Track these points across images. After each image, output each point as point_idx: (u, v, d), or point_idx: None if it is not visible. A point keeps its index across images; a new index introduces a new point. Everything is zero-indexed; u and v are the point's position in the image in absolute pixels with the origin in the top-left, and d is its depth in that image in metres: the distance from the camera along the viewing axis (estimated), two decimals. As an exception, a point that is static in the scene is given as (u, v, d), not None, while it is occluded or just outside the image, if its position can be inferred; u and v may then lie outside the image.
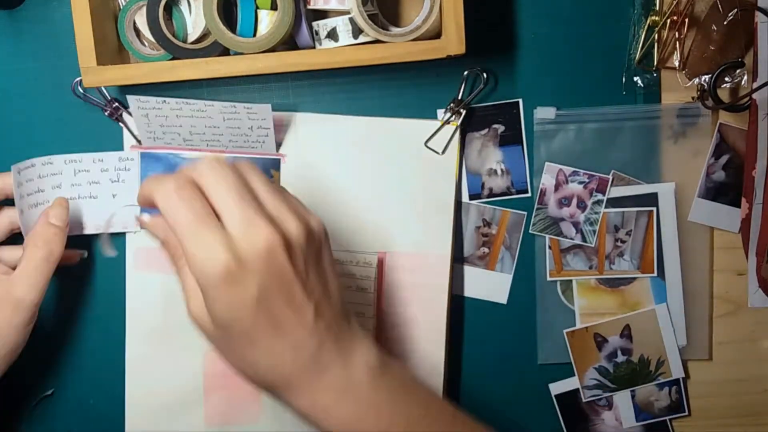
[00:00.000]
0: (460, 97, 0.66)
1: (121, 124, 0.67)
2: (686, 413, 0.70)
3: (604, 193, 0.67)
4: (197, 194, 0.45)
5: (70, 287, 0.69)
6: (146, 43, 0.64)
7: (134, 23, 0.64)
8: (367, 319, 0.67)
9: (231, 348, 0.47)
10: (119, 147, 0.67)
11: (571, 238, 0.68)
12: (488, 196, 0.68)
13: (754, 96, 0.65)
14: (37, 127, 0.67)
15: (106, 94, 0.67)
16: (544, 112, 0.67)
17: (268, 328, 0.45)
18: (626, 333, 0.69)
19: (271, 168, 0.67)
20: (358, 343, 0.49)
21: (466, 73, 0.66)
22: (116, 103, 0.67)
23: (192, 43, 0.63)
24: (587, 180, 0.67)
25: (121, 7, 0.63)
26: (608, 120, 0.67)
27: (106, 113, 0.67)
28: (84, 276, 0.69)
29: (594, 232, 0.68)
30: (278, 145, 0.66)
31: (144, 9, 0.62)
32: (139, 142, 0.67)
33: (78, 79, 0.66)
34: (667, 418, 0.70)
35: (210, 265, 0.43)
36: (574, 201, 0.68)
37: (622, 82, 0.67)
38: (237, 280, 0.43)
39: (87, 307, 0.70)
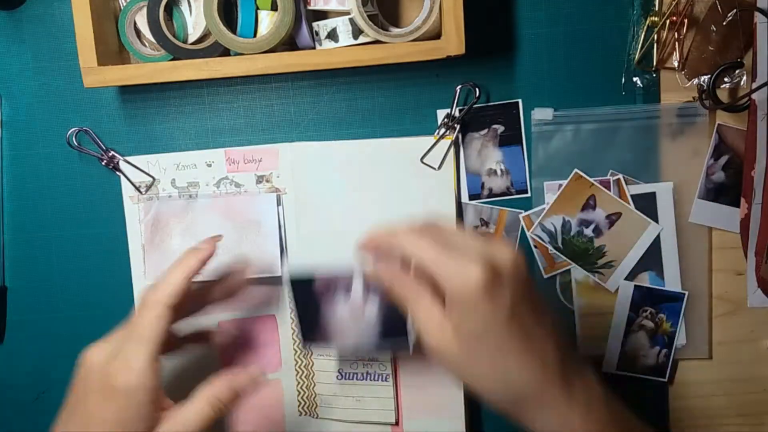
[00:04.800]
0: (453, 112, 0.66)
1: (118, 173, 0.67)
2: (665, 380, 0.70)
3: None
4: (433, 232, 0.50)
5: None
6: (147, 44, 0.65)
7: (135, 23, 0.64)
8: None
9: (479, 364, 0.48)
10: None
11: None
12: (488, 196, 0.68)
13: (753, 96, 0.65)
14: (37, 127, 0.68)
15: (101, 143, 0.67)
16: (542, 113, 0.67)
17: (521, 338, 0.46)
18: (613, 219, 0.68)
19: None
20: (583, 360, 0.50)
21: (459, 87, 0.66)
22: (112, 152, 0.67)
23: (192, 43, 0.63)
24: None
25: (122, 8, 0.63)
26: (606, 120, 0.67)
27: (102, 163, 0.67)
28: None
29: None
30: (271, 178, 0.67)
31: (145, 9, 0.62)
32: (138, 190, 0.67)
33: (73, 130, 0.66)
34: (645, 377, 0.70)
35: (468, 279, 0.46)
36: None
37: (622, 83, 0.67)
38: (494, 290, 0.46)
39: None
